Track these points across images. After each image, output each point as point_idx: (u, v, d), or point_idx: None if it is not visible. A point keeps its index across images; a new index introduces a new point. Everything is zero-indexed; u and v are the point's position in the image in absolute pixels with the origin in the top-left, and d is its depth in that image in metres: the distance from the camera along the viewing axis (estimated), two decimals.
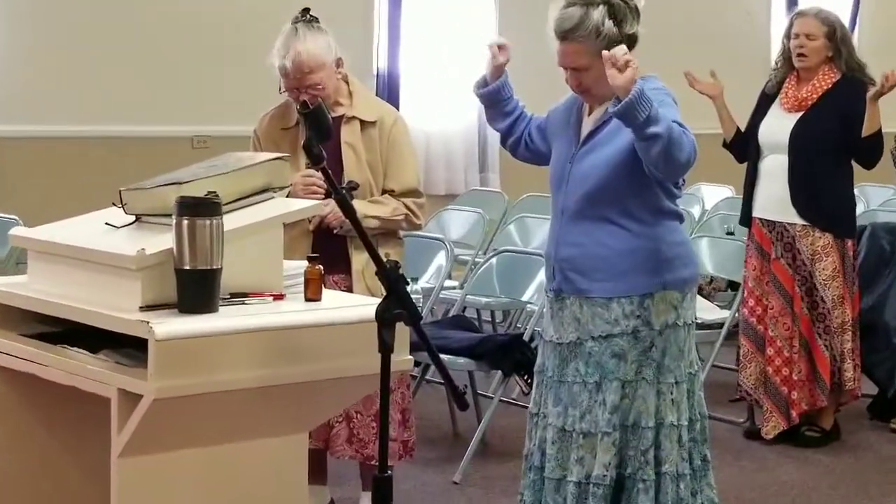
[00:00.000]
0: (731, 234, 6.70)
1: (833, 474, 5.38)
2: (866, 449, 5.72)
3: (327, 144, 3.18)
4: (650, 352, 3.73)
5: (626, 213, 3.71)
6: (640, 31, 3.69)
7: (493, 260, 5.95)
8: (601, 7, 3.64)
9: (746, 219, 5.73)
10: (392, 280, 3.01)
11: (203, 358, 2.98)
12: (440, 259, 6.03)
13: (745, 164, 5.75)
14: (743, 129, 5.74)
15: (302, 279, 3.31)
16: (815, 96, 5.54)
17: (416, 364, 4.83)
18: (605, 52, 3.47)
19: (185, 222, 3.02)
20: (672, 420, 3.75)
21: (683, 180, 3.80)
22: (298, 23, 4.28)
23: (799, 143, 5.50)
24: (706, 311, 6.07)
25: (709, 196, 8.50)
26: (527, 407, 3.98)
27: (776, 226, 5.60)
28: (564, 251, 3.78)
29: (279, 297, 3.25)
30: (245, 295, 3.19)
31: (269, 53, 4.27)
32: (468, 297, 6.06)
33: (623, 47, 3.48)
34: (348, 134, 4.33)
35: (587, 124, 3.80)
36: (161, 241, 3.08)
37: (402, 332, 3.14)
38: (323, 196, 4.17)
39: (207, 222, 3.02)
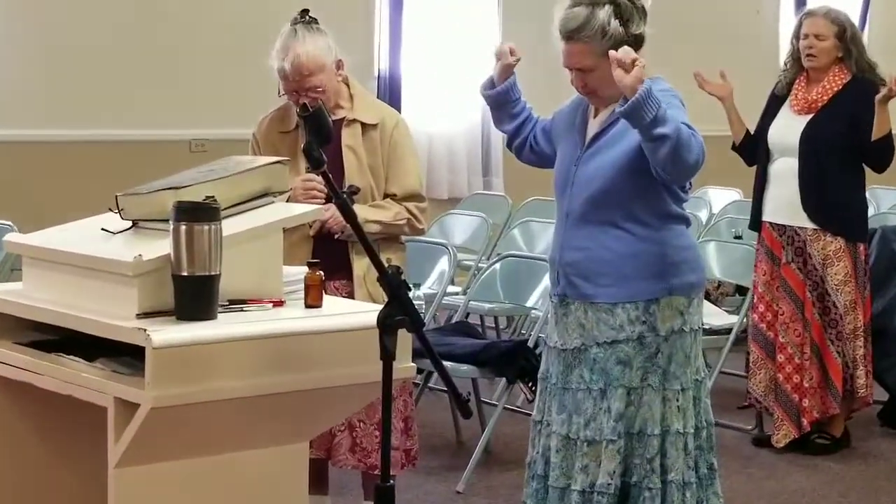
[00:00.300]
0: (739, 237, 6.66)
1: (843, 482, 5.33)
2: (877, 456, 5.67)
3: (328, 148, 3.16)
4: (656, 358, 3.69)
5: (632, 217, 3.67)
6: (647, 31, 3.66)
7: (497, 265, 5.93)
8: (607, 7, 3.60)
9: (756, 223, 5.67)
10: (394, 286, 2.99)
11: (201, 366, 2.95)
12: (443, 264, 6.02)
13: (754, 167, 5.69)
14: (752, 132, 5.68)
15: (302, 285, 3.29)
16: (825, 98, 5.48)
17: (419, 371, 4.78)
18: (611, 52, 3.43)
19: (183, 228, 2.98)
20: (678, 427, 3.71)
21: (690, 184, 3.77)
22: (298, 24, 4.24)
23: (809, 146, 5.44)
24: (714, 316, 6.02)
25: (716, 199, 8.49)
26: (531, 414, 3.93)
27: (786, 230, 5.54)
28: (569, 255, 3.74)
29: (279, 303, 3.23)
30: (244, 301, 3.17)
31: (267, 55, 4.23)
32: (471, 302, 6.04)
33: (628, 48, 3.43)
34: (349, 137, 4.28)
35: (593, 126, 3.76)
36: (158, 246, 3.06)
37: (405, 339, 3.12)
38: (323, 200, 4.13)
39: (205, 227, 2.99)
